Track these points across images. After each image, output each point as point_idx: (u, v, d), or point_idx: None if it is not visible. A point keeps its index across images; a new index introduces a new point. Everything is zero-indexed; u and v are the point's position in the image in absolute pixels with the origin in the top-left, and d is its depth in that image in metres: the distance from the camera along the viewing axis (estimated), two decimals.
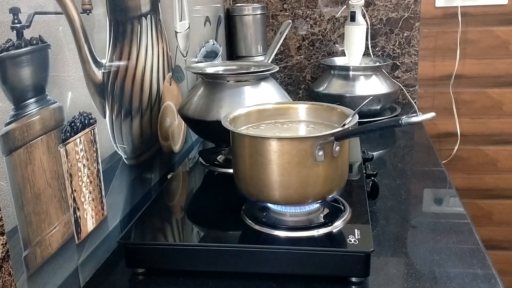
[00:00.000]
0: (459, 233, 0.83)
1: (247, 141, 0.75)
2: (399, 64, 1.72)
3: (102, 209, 0.79)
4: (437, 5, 1.65)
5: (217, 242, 0.74)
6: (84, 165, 0.73)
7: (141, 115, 0.95)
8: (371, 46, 1.69)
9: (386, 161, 1.21)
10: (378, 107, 1.46)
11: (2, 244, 0.54)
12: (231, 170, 0.82)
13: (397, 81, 1.66)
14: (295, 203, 0.76)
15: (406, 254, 0.77)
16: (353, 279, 0.69)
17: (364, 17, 1.58)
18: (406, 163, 1.21)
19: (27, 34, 0.59)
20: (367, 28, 1.60)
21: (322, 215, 0.79)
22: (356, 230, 0.73)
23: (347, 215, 0.77)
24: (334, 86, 1.51)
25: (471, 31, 1.65)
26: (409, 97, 1.70)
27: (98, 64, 0.77)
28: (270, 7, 1.73)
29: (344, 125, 0.75)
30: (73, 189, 0.70)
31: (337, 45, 1.73)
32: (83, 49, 0.73)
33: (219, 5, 1.56)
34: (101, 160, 0.79)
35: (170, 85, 1.12)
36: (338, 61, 1.63)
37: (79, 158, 0.71)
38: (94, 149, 0.76)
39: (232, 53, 1.67)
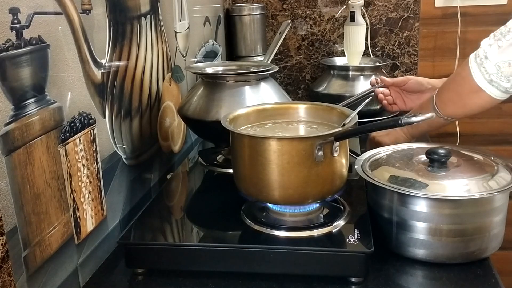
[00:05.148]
0: None
1: (247, 141, 0.75)
2: (399, 64, 1.72)
3: (102, 209, 0.79)
4: (436, 5, 1.65)
5: (217, 242, 0.74)
6: (83, 165, 0.73)
7: (140, 115, 0.95)
8: (371, 46, 1.69)
9: None
10: (378, 107, 1.46)
11: (1, 244, 0.54)
12: (230, 170, 0.82)
13: None
14: (295, 203, 0.76)
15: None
16: (353, 279, 0.69)
17: (364, 17, 1.58)
18: None
19: (27, 34, 0.59)
20: (367, 28, 1.60)
21: (321, 215, 0.79)
22: (355, 230, 0.73)
23: (346, 215, 0.77)
24: (334, 86, 1.51)
25: (471, 31, 1.65)
26: None
27: (97, 64, 0.77)
28: (269, 7, 1.73)
29: (343, 125, 0.75)
30: (73, 189, 0.70)
31: (336, 45, 1.73)
32: (83, 49, 0.73)
33: (218, 5, 1.56)
34: (101, 160, 0.79)
35: (170, 85, 1.12)
36: (338, 61, 1.63)
37: (78, 158, 0.71)
38: (94, 149, 0.76)
39: (232, 53, 1.67)
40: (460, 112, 0.91)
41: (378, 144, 1.00)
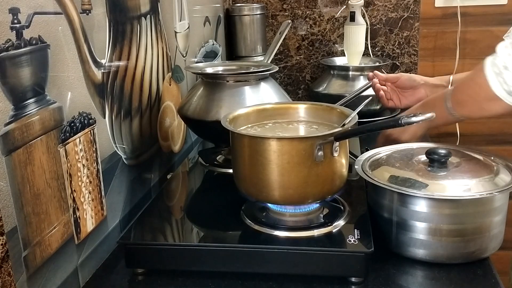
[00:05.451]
0: None
1: (247, 141, 0.75)
2: (399, 64, 1.72)
3: (102, 209, 0.79)
4: (436, 5, 1.65)
5: (217, 242, 0.74)
6: (83, 165, 0.73)
7: (140, 115, 0.95)
8: (371, 46, 1.69)
9: None
10: (378, 107, 1.46)
11: (1, 244, 0.54)
12: (230, 170, 0.82)
13: None
14: (295, 203, 0.76)
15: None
16: (353, 279, 0.69)
17: (364, 17, 1.58)
18: None
19: (27, 34, 0.59)
20: (367, 28, 1.60)
21: (321, 215, 0.79)
22: (355, 230, 0.73)
23: (346, 215, 0.77)
24: (334, 86, 1.51)
25: (471, 31, 1.65)
26: None
27: (97, 64, 0.77)
28: (269, 7, 1.73)
29: (343, 125, 0.75)
30: (73, 189, 0.70)
31: (336, 45, 1.73)
32: (83, 49, 0.73)
33: (218, 5, 1.56)
34: (101, 160, 0.79)
35: (170, 85, 1.12)
36: (338, 61, 1.63)
37: (78, 158, 0.71)
38: (94, 149, 0.76)
39: (232, 53, 1.67)
40: (477, 114, 0.94)
41: (395, 142, 0.98)
